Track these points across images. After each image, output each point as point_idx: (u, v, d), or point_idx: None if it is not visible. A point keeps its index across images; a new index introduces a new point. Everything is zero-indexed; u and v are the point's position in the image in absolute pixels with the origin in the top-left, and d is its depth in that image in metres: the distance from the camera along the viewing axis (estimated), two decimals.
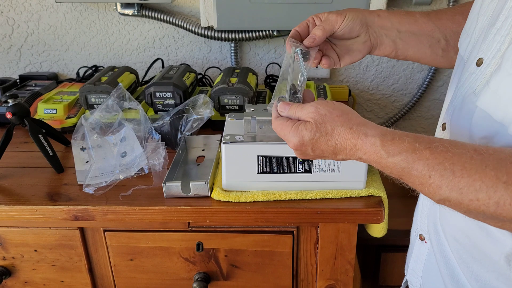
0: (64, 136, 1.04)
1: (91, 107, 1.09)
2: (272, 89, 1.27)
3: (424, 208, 0.69)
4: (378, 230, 0.85)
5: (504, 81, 0.49)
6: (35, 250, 0.90)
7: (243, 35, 1.29)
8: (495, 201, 0.43)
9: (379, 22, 0.73)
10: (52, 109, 1.11)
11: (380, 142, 0.52)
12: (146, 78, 1.36)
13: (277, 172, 0.81)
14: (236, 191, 0.83)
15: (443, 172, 0.46)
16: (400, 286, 0.86)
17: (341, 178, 0.82)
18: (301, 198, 0.82)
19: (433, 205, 0.66)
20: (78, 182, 0.88)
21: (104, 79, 1.12)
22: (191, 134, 0.98)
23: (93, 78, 1.14)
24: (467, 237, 0.59)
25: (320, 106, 0.58)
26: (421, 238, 0.71)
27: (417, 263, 0.74)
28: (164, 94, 1.07)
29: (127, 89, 1.16)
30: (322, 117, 0.57)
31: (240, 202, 0.82)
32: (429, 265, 0.71)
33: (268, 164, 0.80)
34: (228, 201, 0.82)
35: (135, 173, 0.91)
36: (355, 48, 0.73)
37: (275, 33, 1.27)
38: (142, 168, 0.91)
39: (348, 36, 0.72)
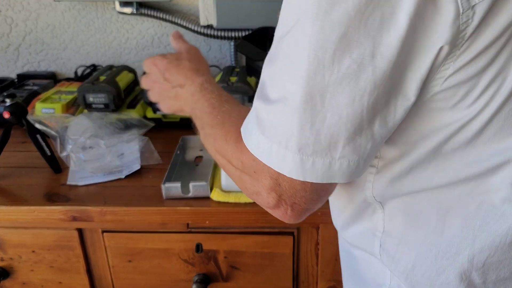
0: None
1: (89, 106, 1.08)
2: None
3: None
4: None
5: None
6: (33, 251, 0.89)
7: (243, 34, 1.28)
8: (217, 135, 0.55)
9: None
10: (50, 108, 1.10)
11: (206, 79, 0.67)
12: None
13: None
14: (236, 191, 0.82)
15: (217, 113, 0.59)
16: None
17: None
18: None
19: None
20: (68, 183, 0.87)
21: (102, 78, 1.11)
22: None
23: (92, 77, 1.13)
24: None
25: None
26: None
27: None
28: None
29: (125, 89, 1.15)
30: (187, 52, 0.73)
31: (240, 202, 0.81)
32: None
33: None
34: (228, 202, 0.81)
35: (130, 173, 0.90)
36: None
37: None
38: (137, 167, 0.91)
39: None
